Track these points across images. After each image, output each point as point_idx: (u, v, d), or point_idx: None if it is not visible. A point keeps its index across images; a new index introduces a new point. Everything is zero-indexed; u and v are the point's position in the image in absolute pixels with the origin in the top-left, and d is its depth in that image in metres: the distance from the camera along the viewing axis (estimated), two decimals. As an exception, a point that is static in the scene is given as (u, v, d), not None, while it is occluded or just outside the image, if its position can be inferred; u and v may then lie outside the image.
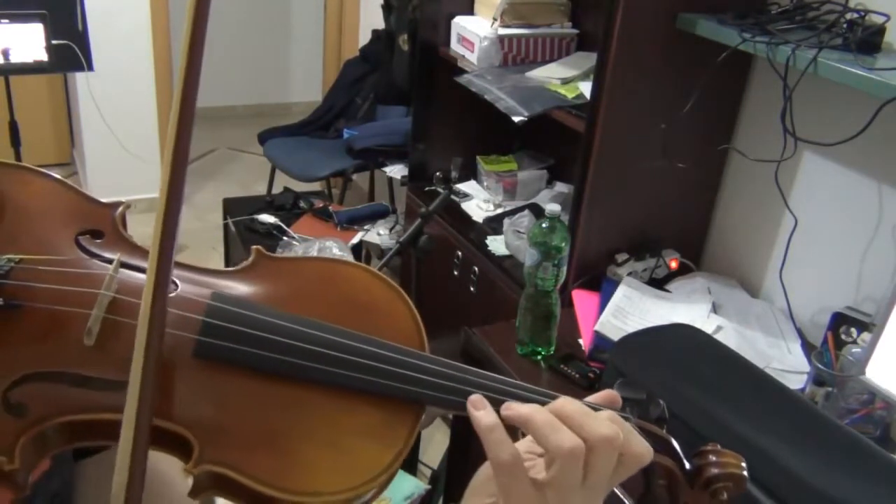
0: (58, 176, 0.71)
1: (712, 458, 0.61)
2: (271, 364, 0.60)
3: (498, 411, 0.57)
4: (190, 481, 0.56)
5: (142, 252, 0.66)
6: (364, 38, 4.03)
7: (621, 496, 1.17)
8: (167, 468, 0.75)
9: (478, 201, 2.59)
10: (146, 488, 0.64)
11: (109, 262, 0.64)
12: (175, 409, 0.57)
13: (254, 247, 0.70)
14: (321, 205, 3.16)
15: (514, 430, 0.57)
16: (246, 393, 0.59)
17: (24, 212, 0.67)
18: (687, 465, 0.61)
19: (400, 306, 0.66)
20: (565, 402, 0.56)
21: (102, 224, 0.68)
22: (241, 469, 0.55)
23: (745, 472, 0.60)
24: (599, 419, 0.55)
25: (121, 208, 0.70)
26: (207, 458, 0.55)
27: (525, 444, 0.61)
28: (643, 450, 0.56)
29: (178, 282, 0.63)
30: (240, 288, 0.65)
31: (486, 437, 0.55)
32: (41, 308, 0.60)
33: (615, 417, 0.56)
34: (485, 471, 0.61)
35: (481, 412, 0.56)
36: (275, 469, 0.56)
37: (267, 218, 2.99)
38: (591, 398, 0.61)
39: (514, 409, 0.56)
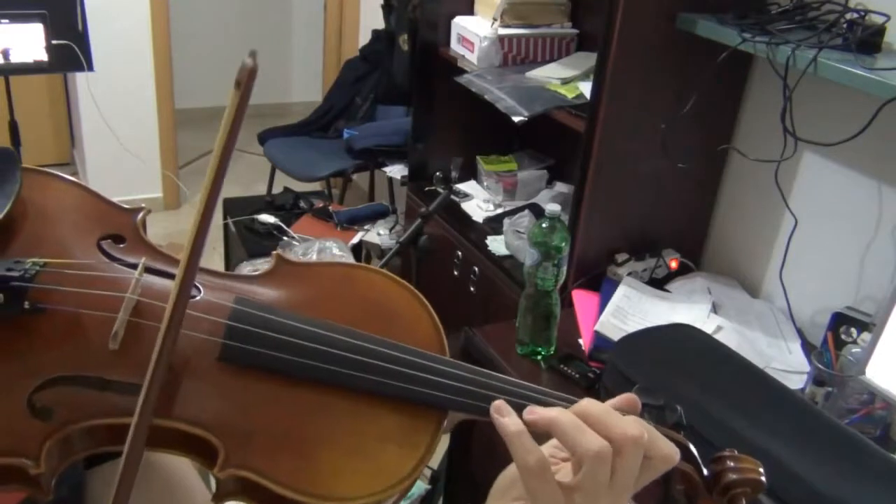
0: (80, 182, 0.72)
1: (730, 463, 0.61)
2: (296, 368, 0.60)
3: (521, 416, 0.57)
4: (214, 486, 0.56)
5: (163, 256, 0.67)
6: (364, 38, 4.02)
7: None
8: (186, 475, 0.75)
9: (478, 201, 2.59)
10: (167, 495, 0.65)
11: (132, 266, 0.64)
12: (200, 413, 0.58)
13: (274, 252, 0.71)
14: (321, 205, 3.16)
15: (539, 436, 0.57)
16: (271, 397, 0.59)
17: (48, 217, 0.68)
18: (705, 471, 0.61)
19: (420, 311, 0.67)
20: (589, 404, 0.56)
21: (124, 229, 0.69)
22: (266, 473, 0.55)
23: (763, 478, 0.60)
24: (624, 420, 0.55)
25: (141, 214, 0.71)
26: (233, 462, 0.56)
27: (549, 449, 0.61)
28: (670, 451, 0.56)
29: (200, 287, 0.63)
30: (262, 293, 0.66)
31: (513, 442, 0.54)
32: (67, 311, 0.60)
33: (639, 420, 0.56)
34: (509, 474, 0.61)
35: (506, 418, 0.56)
36: (300, 473, 0.56)
37: (267, 218, 2.99)
38: (611, 402, 0.60)
39: (538, 412, 0.56)
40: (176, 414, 0.57)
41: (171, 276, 0.64)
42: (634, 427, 0.54)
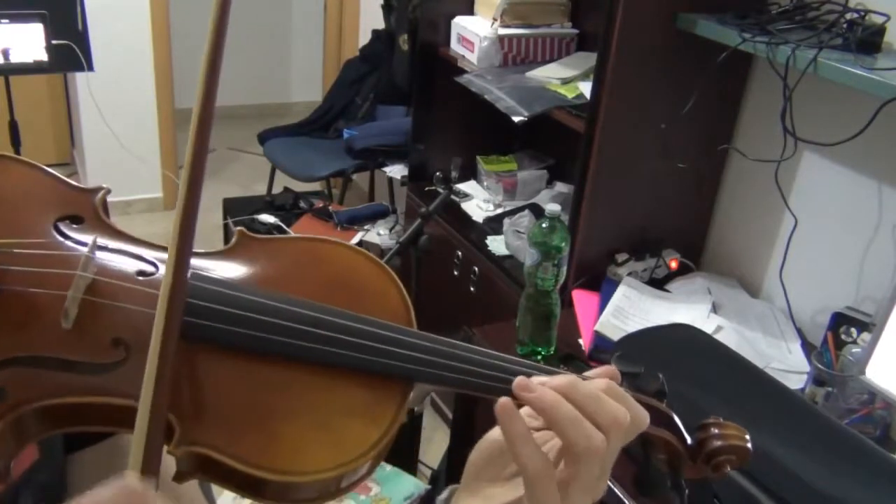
0: (36, 163, 0.70)
1: (714, 430, 0.60)
2: (253, 343, 0.59)
3: (497, 388, 0.56)
4: (174, 464, 0.55)
5: (122, 235, 0.66)
6: (364, 38, 4.02)
7: (619, 494, 1.17)
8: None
9: (478, 201, 2.59)
10: None
11: (86, 245, 0.63)
12: None
13: (237, 228, 0.69)
14: (321, 205, 3.17)
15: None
16: (228, 373, 0.58)
17: (3, 199, 0.66)
18: (688, 440, 0.60)
19: (386, 283, 0.65)
20: (575, 388, 0.55)
21: (82, 210, 0.67)
22: (224, 450, 0.54)
23: (749, 445, 0.59)
24: (611, 404, 0.54)
25: (100, 193, 0.69)
26: (189, 439, 0.54)
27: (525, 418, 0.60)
28: (641, 415, 0.56)
29: (157, 263, 0.63)
30: (222, 268, 0.65)
31: (519, 442, 0.54)
32: (18, 291, 0.59)
33: (612, 385, 0.55)
34: (483, 454, 0.60)
35: (514, 416, 0.54)
36: (259, 449, 0.55)
37: (267, 218, 2.99)
38: (591, 373, 0.60)
39: (538, 393, 0.55)
40: (130, 391, 0.55)
41: (127, 254, 0.63)
42: (620, 411, 0.54)
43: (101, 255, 0.62)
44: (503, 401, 0.56)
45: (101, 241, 0.64)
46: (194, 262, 0.64)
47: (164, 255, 0.63)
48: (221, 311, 0.59)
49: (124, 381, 0.55)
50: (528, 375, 0.57)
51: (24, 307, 0.58)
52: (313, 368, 0.59)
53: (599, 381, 0.56)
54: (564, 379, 0.56)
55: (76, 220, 0.66)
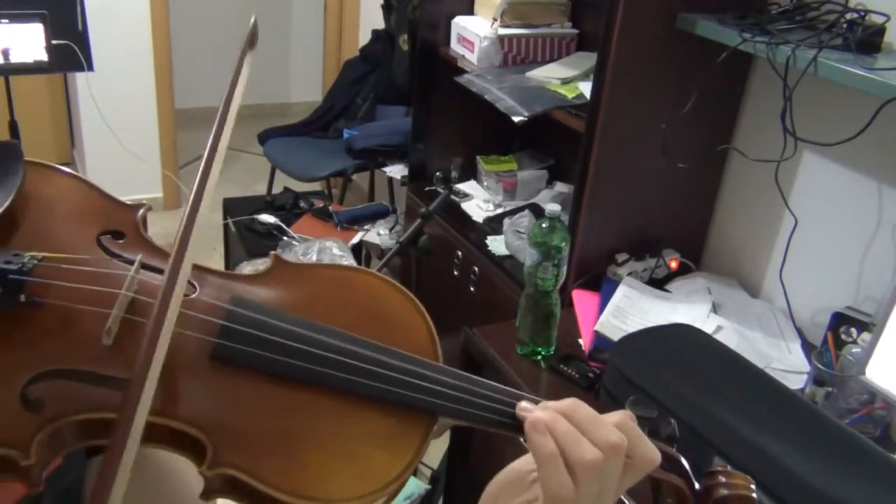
0: (82, 176, 0.72)
1: (722, 479, 0.61)
2: (287, 369, 0.60)
3: (514, 421, 0.58)
4: (202, 483, 0.56)
5: (162, 254, 0.67)
6: (364, 38, 4.03)
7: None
8: (182, 469, 0.75)
9: (478, 201, 2.59)
10: (161, 488, 0.64)
11: (130, 262, 0.64)
12: (190, 410, 0.58)
13: (272, 252, 0.71)
14: (321, 205, 3.16)
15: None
16: (261, 397, 0.60)
17: (49, 210, 0.68)
18: (696, 485, 0.61)
19: (415, 316, 0.67)
20: (575, 405, 0.56)
21: (124, 225, 0.69)
22: (253, 472, 0.56)
23: (755, 495, 0.60)
24: (605, 425, 0.55)
25: (142, 210, 0.71)
26: (221, 460, 0.56)
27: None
28: (652, 454, 0.57)
29: (196, 285, 0.64)
30: (258, 293, 0.66)
31: (548, 465, 0.54)
32: (62, 306, 0.60)
33: (625, 421, 0.57)
34: (501, 480, 0.61)
35: (545, 437, 0.55)
36: (287, 473, 0.56)
37: (267, 218, 2.99)
38: (605, 416, 0.61)
39: (539, 412, 0.57)
40: (166, 411, 0.57)
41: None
42: (615, 434, 0.55)
43: (143, 274, 0.64)
44: (534, 419, 0.56)
45: (145, 259, 0.65)
46: (232, 284, 0.66)
47: (204, 276, 0.65)
48: (257, 336, 0.61)
49: (157, 399, 0.56)
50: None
51: (68, 322, 0.60)
52: (341, 397, 0.60)
53: (614, 415, 0.57)
54: (567, 401, 0.57)
55: (118, 235, 0.68)
